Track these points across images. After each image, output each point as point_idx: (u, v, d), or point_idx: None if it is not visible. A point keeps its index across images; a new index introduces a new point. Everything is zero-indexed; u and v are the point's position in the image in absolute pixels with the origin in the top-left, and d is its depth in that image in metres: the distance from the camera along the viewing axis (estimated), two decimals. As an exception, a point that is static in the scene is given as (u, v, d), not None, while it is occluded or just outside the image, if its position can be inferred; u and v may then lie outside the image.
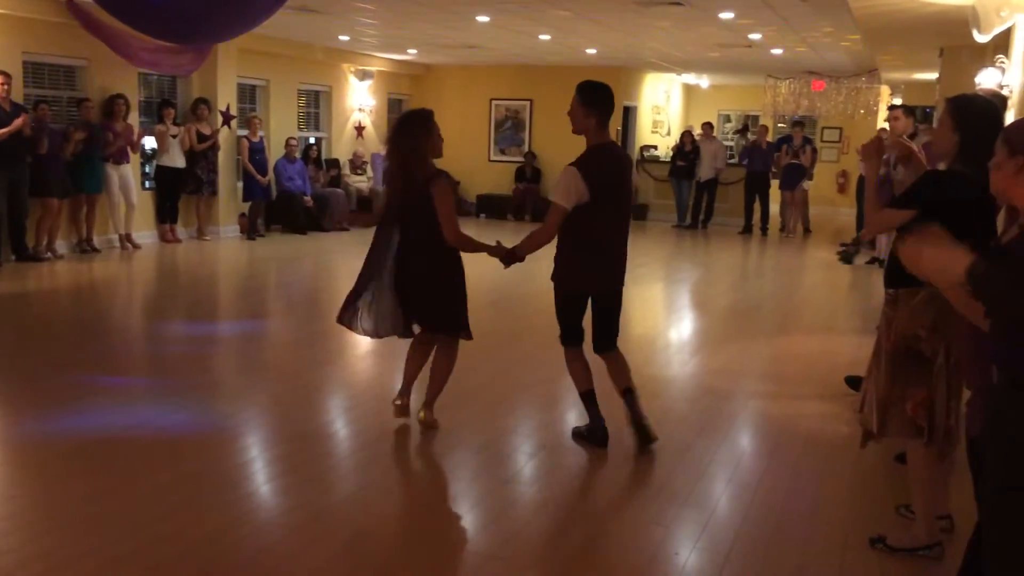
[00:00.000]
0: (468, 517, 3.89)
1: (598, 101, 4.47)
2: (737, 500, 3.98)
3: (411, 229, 4.64)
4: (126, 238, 10.77)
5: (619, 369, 4.63)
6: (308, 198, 12.96)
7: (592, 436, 4.61)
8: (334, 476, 4.23)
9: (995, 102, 3.43)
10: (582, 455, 4.55)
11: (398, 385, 4.92)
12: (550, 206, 4.43)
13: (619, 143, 15.68)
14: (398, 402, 4.81)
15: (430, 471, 4.49)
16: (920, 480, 3.50)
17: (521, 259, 4.68)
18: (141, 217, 11.13)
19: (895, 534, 3.51)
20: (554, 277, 4.62)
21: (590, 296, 4.61)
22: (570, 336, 4.67)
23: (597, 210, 4.36)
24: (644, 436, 4.53)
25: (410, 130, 4.63)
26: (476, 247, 4.75)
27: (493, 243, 4.75)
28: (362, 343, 7.17)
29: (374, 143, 15.60)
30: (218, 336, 7.15)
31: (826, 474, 4.36)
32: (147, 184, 11.52)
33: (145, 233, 11.20)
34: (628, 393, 4.57)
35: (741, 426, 5.13)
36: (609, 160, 4.52)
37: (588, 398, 4.64)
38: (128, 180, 10.63)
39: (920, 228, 2.11)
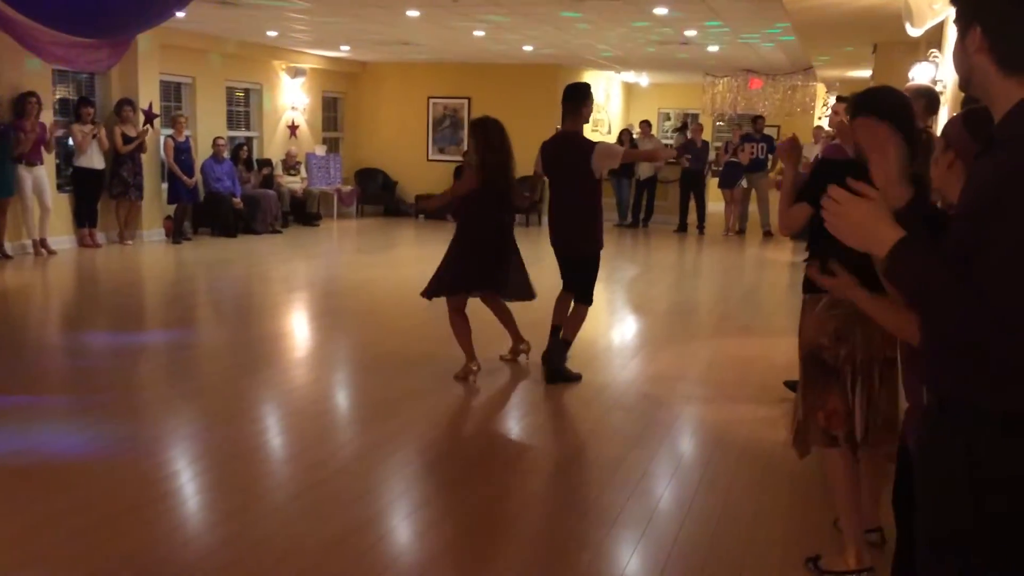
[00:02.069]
0: (393, 536, 3.62)
1: (564, 98, 5.60)
2: (670, 519, 3.78)
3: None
4: (40, 244, 10.24)
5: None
6: (237, 199, 12.52)
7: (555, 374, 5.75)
8: (262, 491, 3.94)
9: (896, 92, 3.33)
10: (509, 475, 4.32)
11: (335, 391, 5.41)
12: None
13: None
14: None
15: (372, 475, 4.20)
16: (843, 497, 3.35)
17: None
18: (57, 221, 10.60)
19: (829, 555, 3.33)
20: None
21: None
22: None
23: (551, 182, 5.70)
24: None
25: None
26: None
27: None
28: (298, 348, 6.88)
29: (308, 142, 15.19)
30: (141, 347, 6.72)
31: (763, 486, 4.19)
32: (66, 187, 10.98)
33: (62, 238, 10.68)
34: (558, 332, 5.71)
35: (677, 435, 4.94)
36: (556, 144, 5.67)
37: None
38: (42, 182, 10.11)
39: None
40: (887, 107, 3.00)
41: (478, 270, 5.61)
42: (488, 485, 4.15)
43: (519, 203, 5.88)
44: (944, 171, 2.17)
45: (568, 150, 5.54)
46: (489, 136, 5.49)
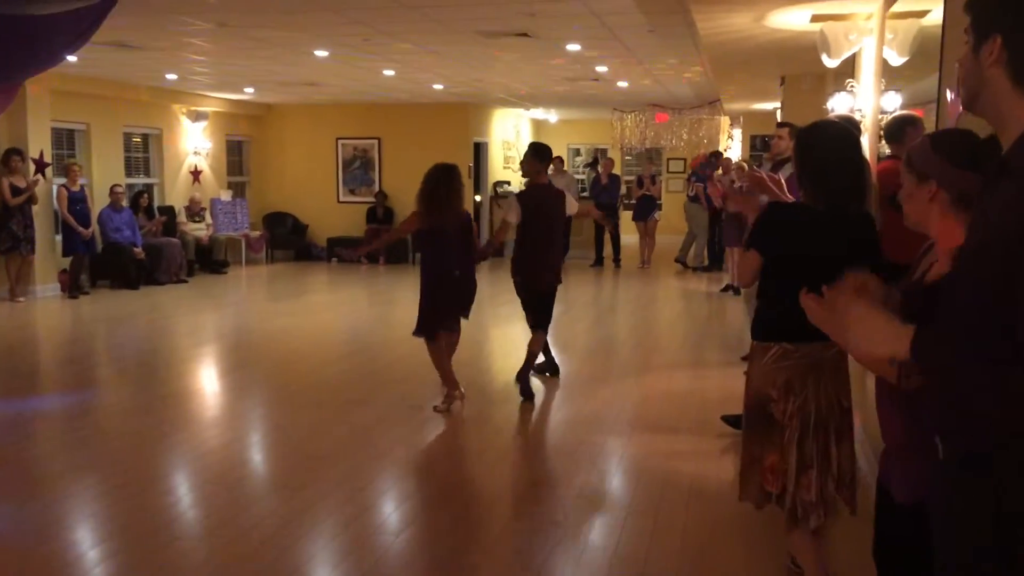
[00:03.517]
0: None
1: (538, 155, 6.44)
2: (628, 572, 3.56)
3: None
4: (-79, 304, 9.50)
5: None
6: (138, 249, 11.93)
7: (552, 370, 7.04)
8: (179, 573, 3.55)
9: (836, 126, 3.21)
10: (452, 534, 4.04)
11: (253, 454, 5.20)
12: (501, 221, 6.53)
13: (472, 180, 15.41)
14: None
15: (298, 549, 3.84)
16: (795, 547, 3.21)
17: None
18: (-60, 280, 9.87)
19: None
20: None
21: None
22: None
23: (527, 227, 6.30)
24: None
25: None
26: None
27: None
28: (209, 407, 6.44)
29: (212, 188, 14.67)
30: (35, 414, 6.15)
31: (716, 534, 4.01)
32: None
33: (-55, 298, 9.94)
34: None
35: (621, 481, 4.74)
36: (541, 193, 6.39)
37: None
38: (-77, 239, 9.40)
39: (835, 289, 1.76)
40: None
41: (439, 308, 5.97)
42: (428, 552, 3.86)
43: (484, 250, 6.80)
44: (925, 204, 2.05)
45: (548, 198, 6.39)
46: (431, 180, 5.91)
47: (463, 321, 6.19)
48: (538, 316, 6.51)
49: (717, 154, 14.84)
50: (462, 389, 6.04)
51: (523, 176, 6.92)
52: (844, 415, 3.11)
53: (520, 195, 6.52)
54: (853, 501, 3.13)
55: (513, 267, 6.43)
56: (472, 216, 6.48)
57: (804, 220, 3.03)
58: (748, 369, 3.27)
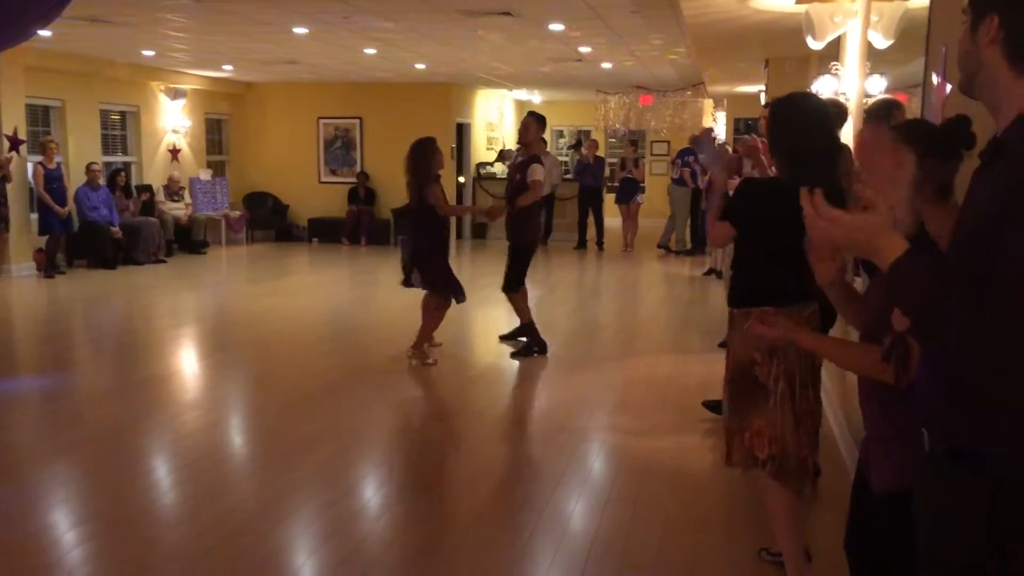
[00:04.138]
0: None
1: (543, 124, 6.96)
2: (603, 566, 3.53)
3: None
4: None
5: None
6: (116, 228, 11.77)
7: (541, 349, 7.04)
8: (157, 558, 3.51)
9: (811, 99, 3.26)
10: (432, 519, 4.00)
11: (232, 437, 5.18)
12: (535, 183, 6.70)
13: (455, 161, 15.32)
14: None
15: (278, 533, 3.79)
16: (779, 520, 3.22)
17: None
18: (-88, 258, 9.70)
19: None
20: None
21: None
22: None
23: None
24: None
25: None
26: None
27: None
28: (189, 389, 6.37)
29: (191, 167, 14.49)
30: (9, 396, 6.02)
31: (697, 520, 3.99)
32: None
33: (-83, 277, 9.78)
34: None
35: (601, 467, 4.71)
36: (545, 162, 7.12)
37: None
38: None
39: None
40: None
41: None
42: (405, 537, 3.82)
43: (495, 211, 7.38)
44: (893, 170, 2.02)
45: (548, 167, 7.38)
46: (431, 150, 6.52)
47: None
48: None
49: (709, 131, 14.74)
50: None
51: (522, 143, 7.02)
52: (815, 372, 3.21)
53: (539, 159, 6.85)
54: (816, 455, 3.24)
55: (528, 232, 6.87)
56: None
57: (774, 196, 3.08)
58: (728, 337, 3.32)
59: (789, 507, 3.20)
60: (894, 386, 2.01)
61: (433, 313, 6.67)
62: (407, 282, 6.71)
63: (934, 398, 1.58)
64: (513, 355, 7.09)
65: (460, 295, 6.68)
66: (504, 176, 16.19)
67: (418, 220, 6.57)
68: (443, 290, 6.65)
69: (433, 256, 6.62)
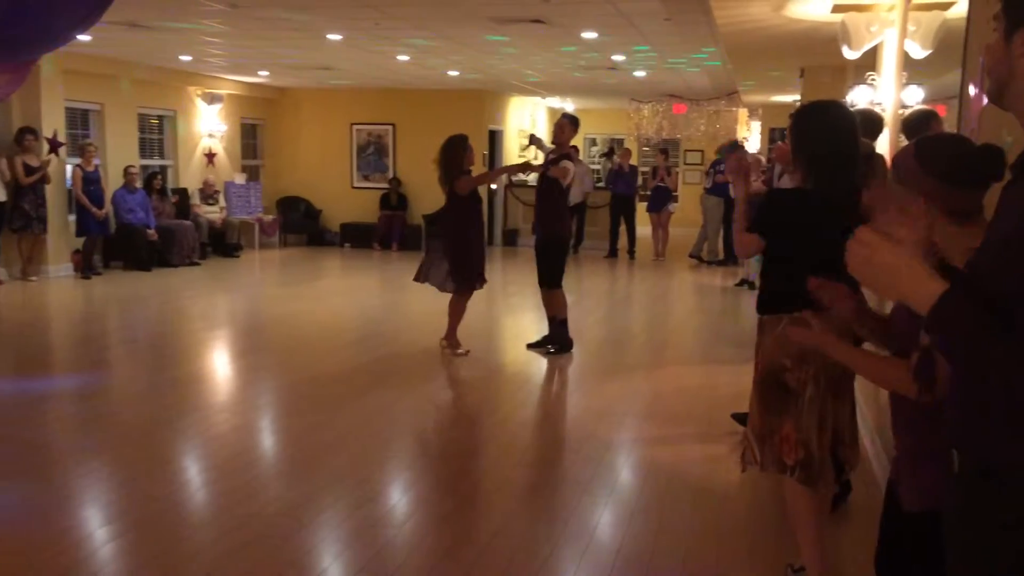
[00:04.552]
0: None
1: (577, 126, 7.27)
2: (629, 572, 3.50)
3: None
4: (-66, 282, 9.53)
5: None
6: (152, 231, 11.93)
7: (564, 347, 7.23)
8: (182, 556, 3.52)
9: (831, 108, 3.23)
10: (455, 525, 3.99)
11: (261, 439, 5.26)
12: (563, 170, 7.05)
13: (487, 167, 15.33)
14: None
15: (305, 534, 3.80)
16: (804, 532, 3.19)
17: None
18: (-47, 258, 9.90)
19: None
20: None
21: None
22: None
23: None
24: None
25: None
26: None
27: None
28: (219, 391, 6.42)
29: (226, 171, 14.65)
30: (45, 394, 6.12)
31: (722, 534, 3.94)
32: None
33: (-42, 276, 9.97)
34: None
35: (628, 477, 4.68)
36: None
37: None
38: (-65, 217, 9.42)
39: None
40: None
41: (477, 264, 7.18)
42: (431, 540, 3.81)
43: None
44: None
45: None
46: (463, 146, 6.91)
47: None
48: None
49: (737, 145, 14.59)
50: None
51: (556, 143, 7.21)
52: (847, 379, 3.19)
53: (573, 158, 7.26)
54: (855, 459, 3.28)
55: (563, 229, 7.17)
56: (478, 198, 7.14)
57: (799, 205, 3.15)
58: (758, 343, 3.32)
59: (814, 518, 3.20)
60: (923, 403, 1.97)
61: (456, 301, 7.03)
62: (421, 277, 7.12)
63: (964, 416, 1.54)
64: (529, 346, 7.39)
65: (479, 282, 7.09)
66: (535, 184, 16.21)
67: (451, 214, 6.90)
68: (462, 281, 6.96)
69: (457, 237, 6.92)
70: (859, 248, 1.47)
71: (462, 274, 6.97)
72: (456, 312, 7.05)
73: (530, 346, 7.45)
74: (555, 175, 7.01)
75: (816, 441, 3.10)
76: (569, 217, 7.43)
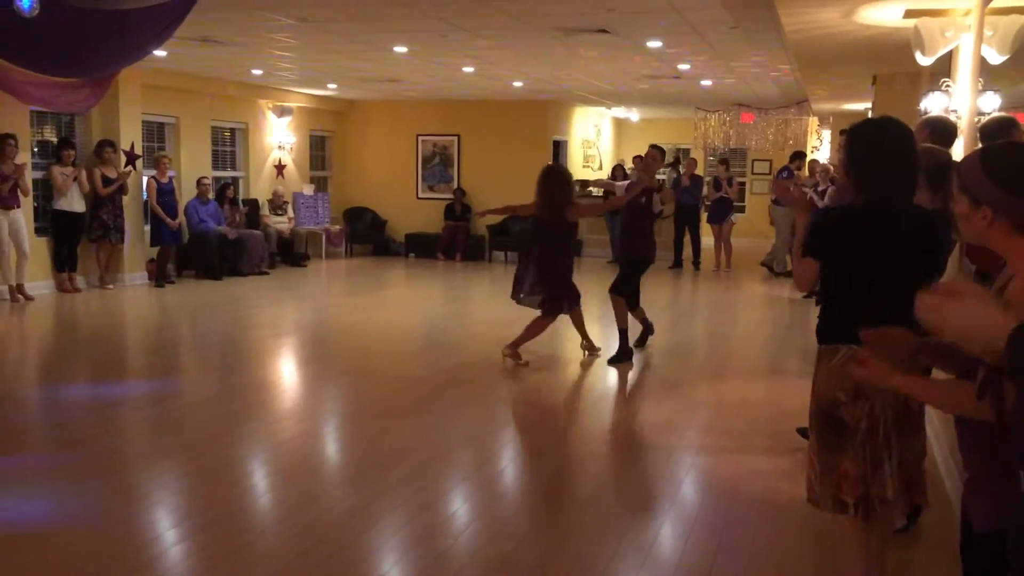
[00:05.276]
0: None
1: (664, 156, 7.97)
2: (689, 589, 3.44)
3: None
4: (17, 289, 9.90)
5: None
6: (228, 230, 12.28)
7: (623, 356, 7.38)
8: (248, 559, 3.59)
9: (887, 124, 3.11)
10: (513, 536, 3.97)
11: (324, 446, 5.36)
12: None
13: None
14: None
15: (365, 540, 3.84)
16: (855, 561, 3.11)
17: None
18: (35, 266, 10.28)
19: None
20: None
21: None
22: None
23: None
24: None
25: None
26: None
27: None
28: (285, 397, 6.54)
29: (295, 182, 14.94)
30: (119, 399, 6.31)
31: (784, 554, 3.85)
32: (45, 230, 10.66)
33: (40, 283, 10.36)
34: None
35: (689, 491, 4.60)
36: None
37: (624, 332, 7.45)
38: (19, 226, 9.80)
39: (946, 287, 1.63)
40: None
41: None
42: (489, 549, 3.80)
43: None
44: (983, 228, 1.89)
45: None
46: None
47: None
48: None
49: (800, 155, 14.33)
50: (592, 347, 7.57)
51: (647, 171, 7.82)
52: (913, 416, 3.05)
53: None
54: (924, 496, 3.16)
55: (649, 248, 7.65)
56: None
57: (852, 222, 3.05)
58: (815, 375, 3.20)
59: (863, 552, 3.14)
60: (988, 423, 1.89)
61: (539, 320, 7.15)
62: (518, 296, 7.26)
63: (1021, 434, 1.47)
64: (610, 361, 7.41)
65: (575, 301, 7.33)
66: (599, 194, 16.17)
67: (552, 232, 7.10)
68: (554, 300, 7.13)
69: (558, 261, 7.17)
70: (935, 303, 1.45)
71: (556, 298, 7.16)
72: (534, 330, 7.17)
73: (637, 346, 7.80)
74: (665, 200, 7.82)
75: (871, 479, 3.00)
76: (653, 236, 7.79)
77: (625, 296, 7.53)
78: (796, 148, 16.09)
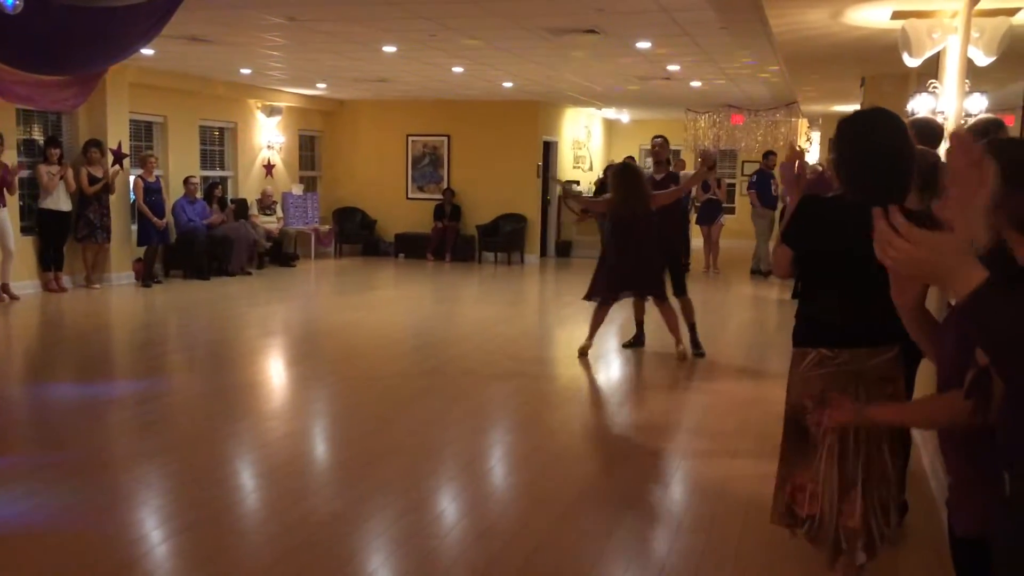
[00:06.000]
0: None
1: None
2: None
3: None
4: (3, 289, 9.84)
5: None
6: (216, 219, 12.35)
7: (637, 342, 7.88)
8: (235, 558, 3.57)
9: (877, 116, 3.03)
10: (500, 536, 3.96)
11: (312, 446, 5.28)
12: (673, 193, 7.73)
13: (540, 179, 15.35)
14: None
15: (352, 540, 3.81)
16: None
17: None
18: (21, 265, 10.21)
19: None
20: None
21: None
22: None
23: None
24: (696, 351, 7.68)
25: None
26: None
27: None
28: (273, 398, 6.51)
29: (284, 182, 14.89)
30: (106, 399, 6.27)
31: (771, 556, 3.84)
32: (31, 229, 10.59)
33: (25, 283, 10.29)
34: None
35: (676, 492, 4.60)
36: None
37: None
38: (4, 225, 9.74)
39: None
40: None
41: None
42: (476, 549, 3.79)
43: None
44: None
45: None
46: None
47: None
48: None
49: (772, 153, 14.32)
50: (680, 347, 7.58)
51: (659, 161, 8.44)
52: (890, 432, 2.90)
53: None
54: (899, 518, 3.08)
55: (675, 241, 7.99)
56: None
57: (831, 214, 2.92)
58: (788, 378, 3.12)
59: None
60: (973, 426, 1.89)
61: (666, 309, 7.48)
62: (606, 296, 7.49)
63: (1015, 437, 1.46)
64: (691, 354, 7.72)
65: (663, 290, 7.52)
66: (589, 194, 16.15)
67: (643, 227, 7.23)
68: (660, 286, 7.40)
69: (658, 254, 7.39)
70: (900, 241, 1.42)
71: (661, 283, 7.43)
72: (671, 318, 7.49)
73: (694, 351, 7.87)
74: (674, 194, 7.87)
75: (831, 503, 2.86)
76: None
77: (661, 294, 7.51)
78: (785, 148, 16.14)
